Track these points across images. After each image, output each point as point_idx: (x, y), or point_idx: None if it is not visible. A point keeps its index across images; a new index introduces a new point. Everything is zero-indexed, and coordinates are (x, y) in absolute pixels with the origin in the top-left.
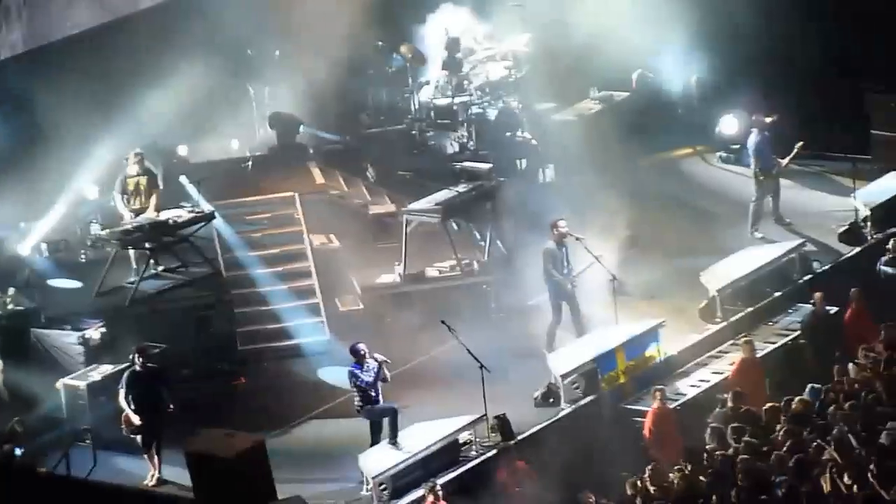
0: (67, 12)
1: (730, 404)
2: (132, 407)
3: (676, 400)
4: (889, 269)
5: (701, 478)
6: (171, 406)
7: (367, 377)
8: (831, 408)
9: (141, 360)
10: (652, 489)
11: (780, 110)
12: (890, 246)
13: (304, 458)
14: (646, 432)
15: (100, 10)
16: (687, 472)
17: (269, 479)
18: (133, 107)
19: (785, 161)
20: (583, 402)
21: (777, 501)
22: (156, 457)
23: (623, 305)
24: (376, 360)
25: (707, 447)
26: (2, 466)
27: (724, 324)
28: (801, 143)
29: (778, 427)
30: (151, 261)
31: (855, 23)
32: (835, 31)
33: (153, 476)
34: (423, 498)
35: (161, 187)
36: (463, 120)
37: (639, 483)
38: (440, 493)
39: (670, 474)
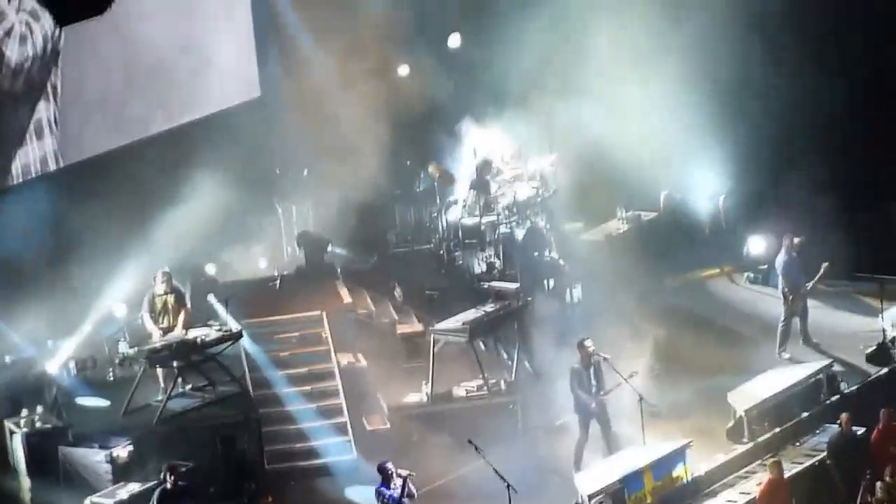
0: (99, 132)
1: None
2: None
3: None
4: None
5: None
6: None
7: (394, 493)
8: None
9: (172, 478)
10: None
11: (808, 231)
12: None
13: None
14: None
15: (128, 131)
16: None
17: None
18: (161, 225)
19: (811, 283)
20: None
21: None
22: None
23: (650, 425)
24: (401, 477)
25: None
26: None
27: (752, 444)
28: (826, 265)
29: None
30: (179, 379)
31: (882, 144)
32: (861, 151)
33: None
34: None
35: (189, 306)
36: (491, 240)
37: None
38: None
39: None
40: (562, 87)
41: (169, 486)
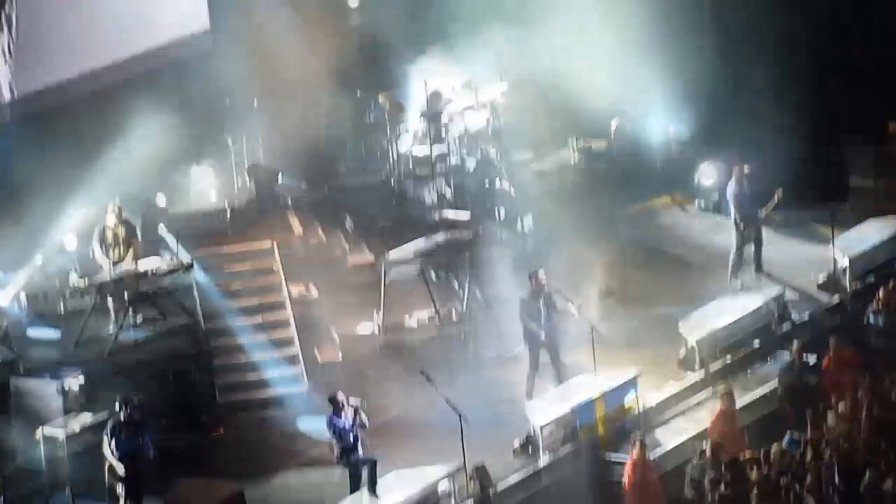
0: (52, 63)
1: (708, 454)
2: (116, 456)
3: (655, 450)
4: (876, 320)
5: None
6: (153, 454)
7: (346, 424)
8: (808, 456)
9: (127, 410)
10: None
11: (758, 159)
12: (879, 296)
13: None
14: (625, 481)
15: (81, 62)
16: None
17: None
18: (111, 157)
19: (764, 211)
20: (561, 451)
21: None
22: None
23: (602, 355)
24: (352, 407)
25: (685, 497)
26: None
27: (703, 373)
28: (779, 192)
29: (754, 476)
30: (130, 311)
31: (833, 72)
32: (813, 81)
33: None
34: None
35: (139, 238)
36: (441, 170)
37: None
38: None
39: None
40: (513, 15)
41: (123, 418)
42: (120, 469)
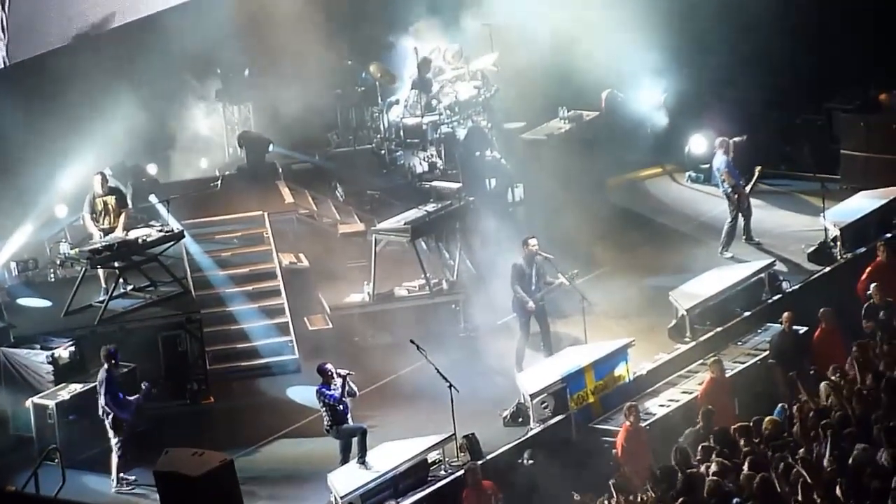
0: (45, 35)
1: (700, 424)
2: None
3: (646, 420)
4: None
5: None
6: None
7: (335, 394)
8: (797, 427)
9: (113, 362)
10: None
11: (749, 130)
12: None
13: (272, 477)
14: (617, 450)
15: (73, 32)
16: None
17: (237, 499)
18: (102, 126)
19: (748, 188)
20: (552, 421)
21: None
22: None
23: (592, 325)
24: (341, 377)
25: (674, 467)
26: None
27: (694, 343)
28: (759, 168)
29: (743, 447)
30: (121, 280)
31: (823, 43)
32: (803, 52)
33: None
34: None
35: (130, 206)
36: (432, 139)
37: (607, 503)
38: None
39: (640, 495)
40: None
41: (108, 369)
42: (122, 415)
